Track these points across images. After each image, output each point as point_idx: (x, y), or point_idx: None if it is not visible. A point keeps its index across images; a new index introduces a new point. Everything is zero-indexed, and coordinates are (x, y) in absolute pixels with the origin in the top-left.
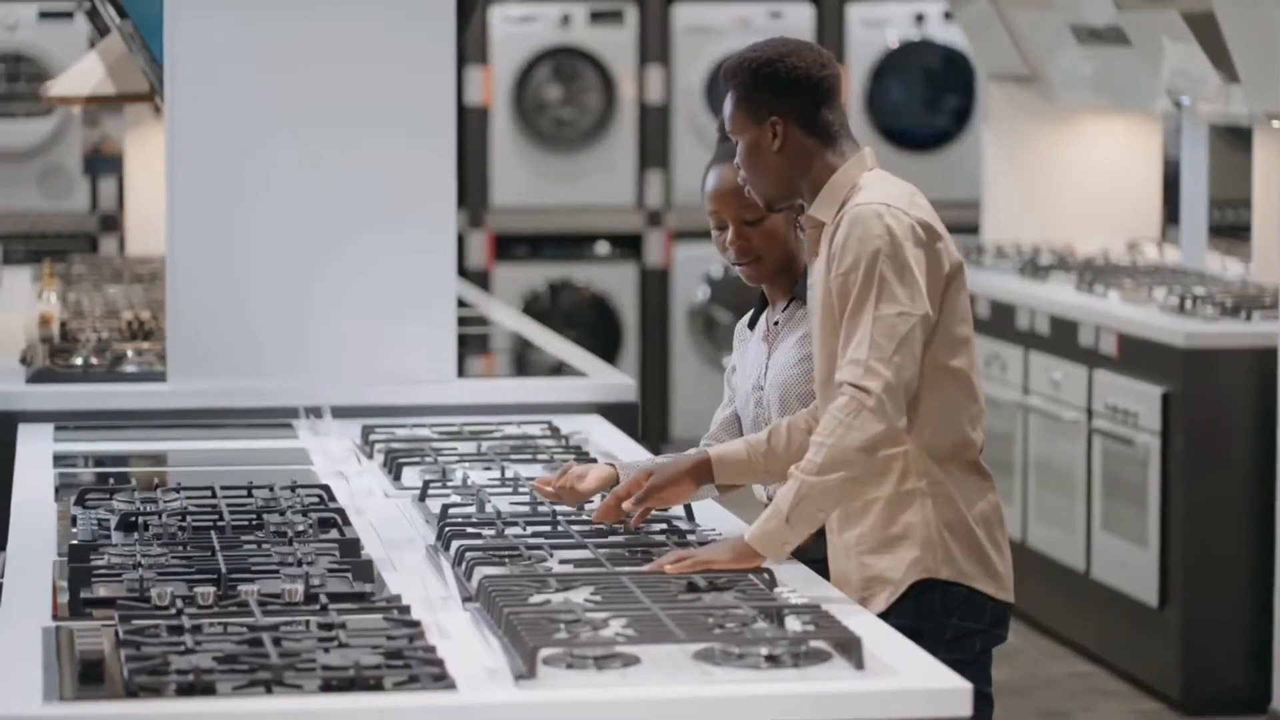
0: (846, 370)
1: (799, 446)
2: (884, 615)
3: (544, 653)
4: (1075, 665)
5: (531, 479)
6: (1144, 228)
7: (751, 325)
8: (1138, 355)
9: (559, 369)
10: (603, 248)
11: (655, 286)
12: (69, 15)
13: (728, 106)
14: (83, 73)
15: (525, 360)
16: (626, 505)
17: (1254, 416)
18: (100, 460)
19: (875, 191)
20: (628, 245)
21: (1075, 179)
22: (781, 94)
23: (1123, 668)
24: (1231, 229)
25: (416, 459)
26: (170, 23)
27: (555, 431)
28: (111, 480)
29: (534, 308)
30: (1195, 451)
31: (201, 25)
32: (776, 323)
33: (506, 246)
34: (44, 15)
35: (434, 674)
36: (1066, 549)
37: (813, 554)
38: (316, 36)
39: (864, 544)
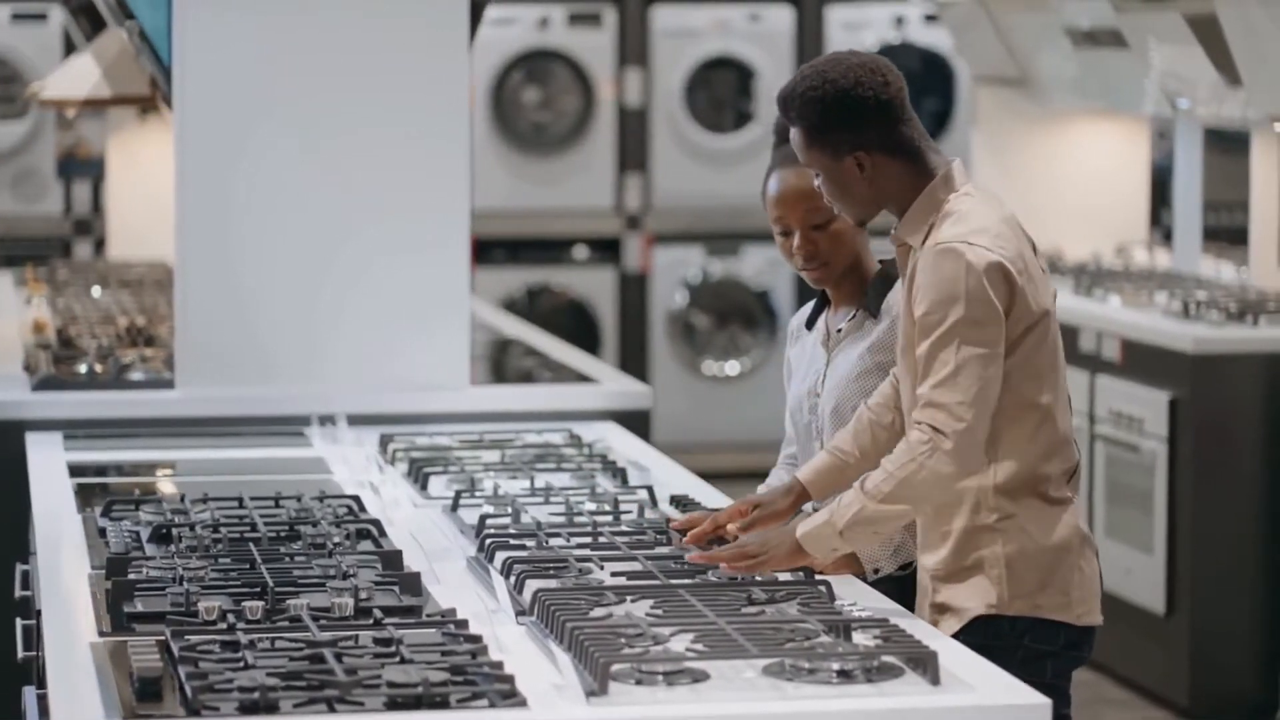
0: (925, 412)
1: (885, 444)
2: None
3: (613, 668)
4: (1080, 674)
5: (565, 489)
6: (1131, 231)
7: (809, 324)
8: (1143, 361)
9: (528, 376)
10: (581, 252)
11: (634, 291)
12: (43, 17)
13: (798, 140)
14: (76, 75)
15: (525, 366)
16: (732, 527)
17: (1262, 422)
18: (117, 470)
19: (962, 225)
20: (606, 249)
21: (1062, 182)
22: (857, 126)
23: (1129, 676)
24: (1214, 231)
25: (441, 468)
26: (179, 24)
27: (577, 440)
28: (137, 491)
29: (512, 312)
30: (1203, 458)
31: (211, 26)
32: (840, 330)
33: (484, 251)
34: (17, 17)
35: (503, 691)
36: None
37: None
38: (326, 37)
39: (939, 572)
